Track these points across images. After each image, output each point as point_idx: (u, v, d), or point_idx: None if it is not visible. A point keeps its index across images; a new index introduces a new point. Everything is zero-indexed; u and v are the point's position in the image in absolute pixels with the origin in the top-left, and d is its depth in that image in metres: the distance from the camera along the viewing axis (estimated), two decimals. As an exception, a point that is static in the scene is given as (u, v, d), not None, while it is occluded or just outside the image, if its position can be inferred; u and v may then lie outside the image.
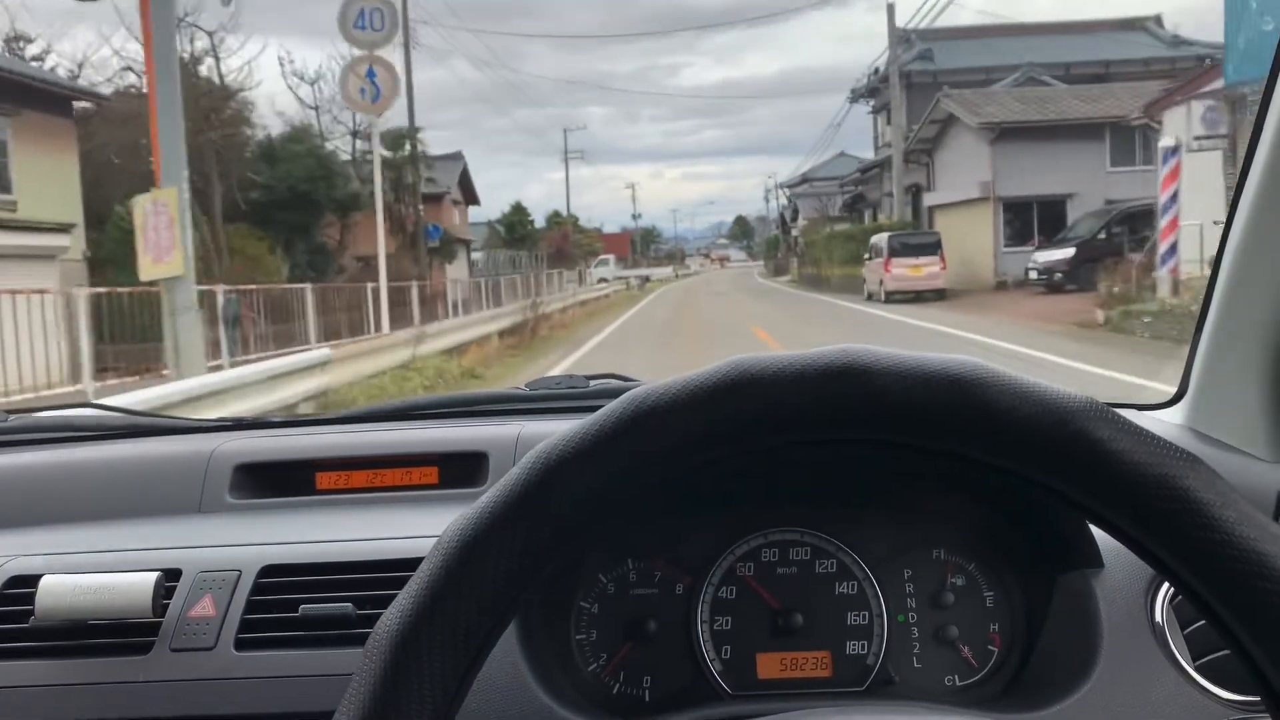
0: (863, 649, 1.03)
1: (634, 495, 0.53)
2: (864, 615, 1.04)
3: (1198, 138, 15.54)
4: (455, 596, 0.51)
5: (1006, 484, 0.98)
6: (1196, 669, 0.93)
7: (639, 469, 0.52)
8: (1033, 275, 21.93)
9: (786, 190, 78.45)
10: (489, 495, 0.53)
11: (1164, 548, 0.49)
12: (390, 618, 0.52)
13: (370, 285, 17.62)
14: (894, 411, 0.51)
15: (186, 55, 20.81)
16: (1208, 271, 1.28)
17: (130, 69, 22.71)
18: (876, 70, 40.95)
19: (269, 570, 1.07)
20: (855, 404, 0.51)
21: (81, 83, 22.10)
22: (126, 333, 12.31)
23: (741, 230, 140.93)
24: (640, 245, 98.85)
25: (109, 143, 20.99)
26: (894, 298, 24.31)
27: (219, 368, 10.63)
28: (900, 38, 34.91)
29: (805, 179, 64.20)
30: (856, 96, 45.53)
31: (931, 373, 0.51)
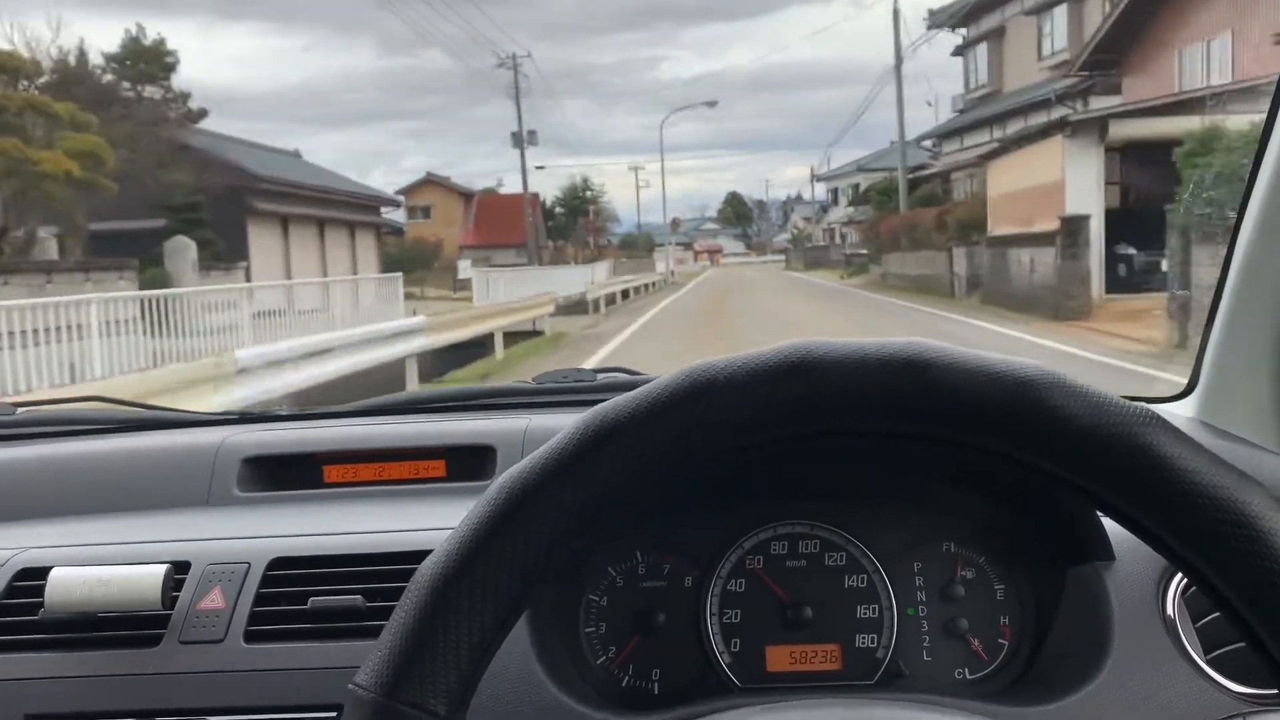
0: (872, 642, 1.03)
1: (681, 468, 0.53)
2: (873, 608, 1.03)
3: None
4: (499, 547, 0.51)
5: (1019, 477, 0.98)
6: (1208, 662, 0.93)
7: (692, 440, 0.52)
8: None
9: (826, 182, 63.58)
10: (541, 451, 0.53)
11: (1214, 568, 0.49)
12: (434, 560, 0.52)
13: None
14: (953, 409, 0.51)
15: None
16: None
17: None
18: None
19: (278, 563, 1.07)
20: (915, 398, 0.51)
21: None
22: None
23: (735, 212, 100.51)
24: (565, 222, 58.10)
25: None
26: None
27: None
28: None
29: (860, 168, 51.90)
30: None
31: (997, 373, 0.50)
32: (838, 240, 60.26)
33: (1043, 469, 0.51)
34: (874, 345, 0.52)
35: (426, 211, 47.81)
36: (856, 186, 55.69)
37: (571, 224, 60.11)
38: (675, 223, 53.92)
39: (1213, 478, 0.49)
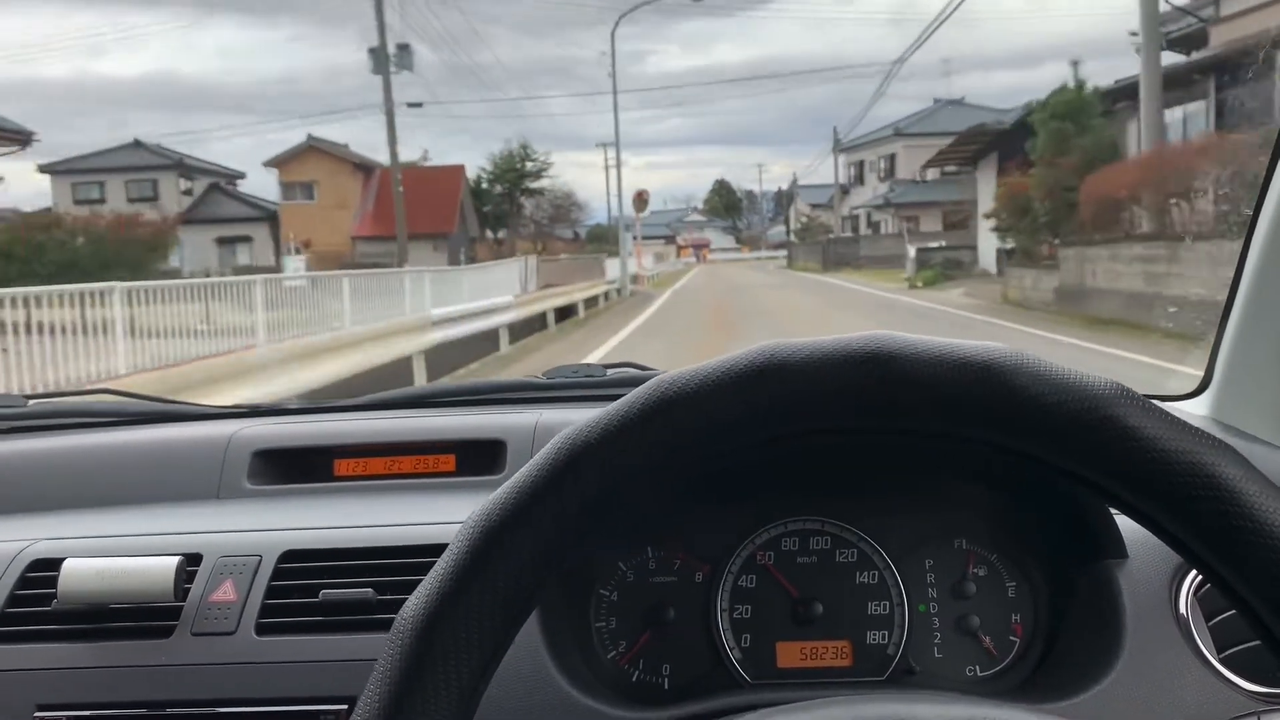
0: (883, 639, 1.02)
1: (660, 480, 0.52)
2: (885, 605, 1.03)
3: None
4: (479, 582, 0.51)
5: (1030, 473, 0.97)
6: (1221, 660, 0.93)
7: (666, 454, 0.52)
8: None
9: (846, 155, 49.68)
10: (515, 479, 0.52)
11: (1193, 535, 0.49)
12: (416, 602, 0.52)
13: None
14: (922, 398, 0.50)
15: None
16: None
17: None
18: None
19: (289, 555, 1.07)
20: (883, 390, 0.51)
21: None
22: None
23: (723, 202, 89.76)
24: (502, 204, 43.12)
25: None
26: None
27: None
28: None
29: (899, 132, 43.77)
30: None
31: (960, 359, 0.50)
32: (866, 229, 46.96)
33: (1017, 451, 0.51)
34: (838, 342, 0.52)
35: (309, 189, 35.99)
36: (891, 158, 45.32)
37: (510, 206, 43.64)
38: (641, 199, 36.35)
39: (1180, 444, 0.49)
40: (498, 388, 1.54)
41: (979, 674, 1.02)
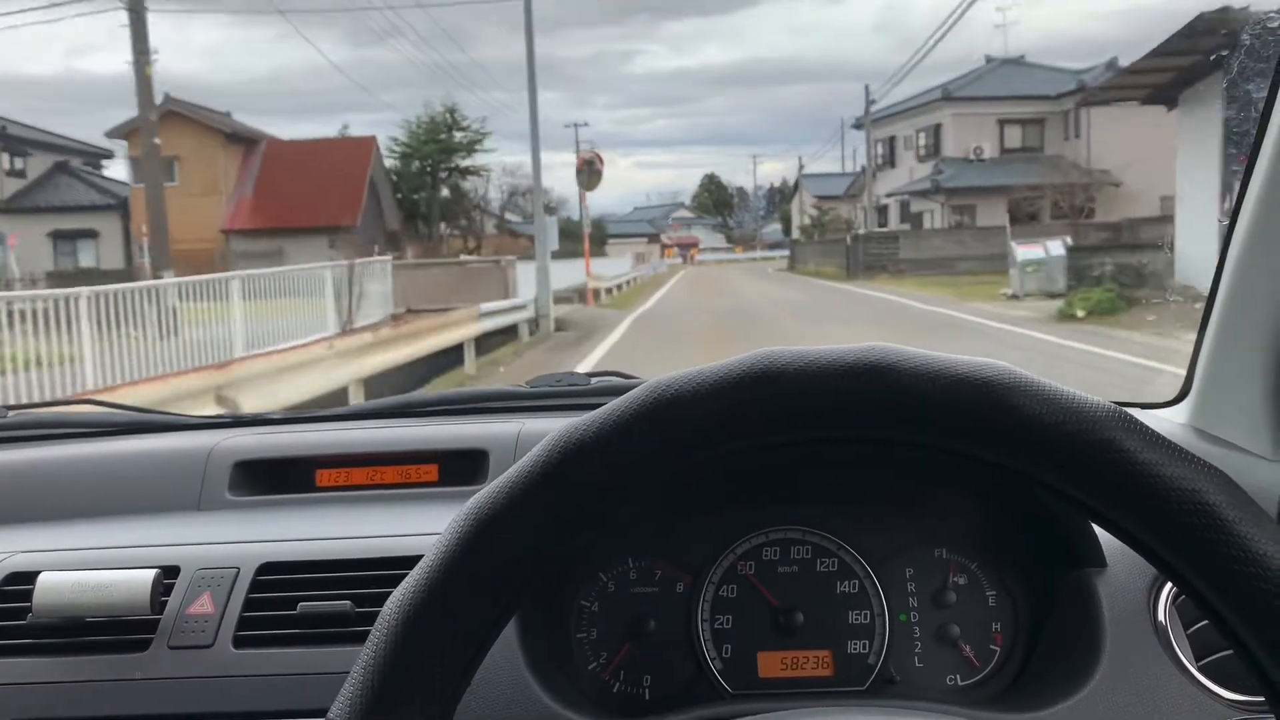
0: (864, 648, 1.02)
1: (652, 483, 0.52)
2: (865, 614, 1.03)
3: None
4: (467, 576, 0.51)
5: (1010, 483, 0.98)
6: (1199, 669, 0.93)
7: (659, 457, 0.51)
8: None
9: (875, 130, 37.42)
10: (506, 475, 0.52)
11: (1183, 560, 0.49)
12: (402, 593, 0.51)
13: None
14: (919, 412, 0.50)
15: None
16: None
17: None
18: None
19: (268, 568, 1.06)
20: (880, 403, 0.51)
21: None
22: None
23: (713, 199, 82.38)
24: (427, 189, 32.79)
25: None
26: None
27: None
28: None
29: (948, 96, 33.48)
30: None
31: (959, 375, 0.50)
32: (900, 222, 35.03)
33: (1009, 468, 0.51)
34: (837, 351, 0.52)
35: (169, 168, 25.58)
36: (935, 130, 34.57)
37: (433, 189, 33.04)
38: (590, 167, 21.65)
39: (1174, 470, 0.49)
40: (480, 397, 1.54)
41: (959, 683, 1.02)
